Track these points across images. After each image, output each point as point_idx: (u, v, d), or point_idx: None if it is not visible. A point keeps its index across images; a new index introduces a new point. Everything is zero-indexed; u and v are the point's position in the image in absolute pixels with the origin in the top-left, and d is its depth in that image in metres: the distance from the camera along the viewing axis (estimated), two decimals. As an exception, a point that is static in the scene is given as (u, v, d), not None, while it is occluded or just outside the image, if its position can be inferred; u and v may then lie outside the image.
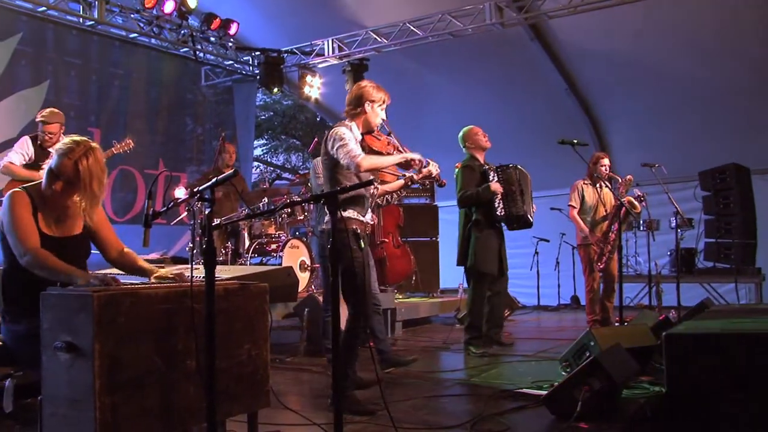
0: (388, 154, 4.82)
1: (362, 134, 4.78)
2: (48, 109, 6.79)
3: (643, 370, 5.10)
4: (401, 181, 5.18)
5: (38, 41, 9.45)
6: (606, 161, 7.94)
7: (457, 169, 6.97)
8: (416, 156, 4.76)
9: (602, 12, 9.37)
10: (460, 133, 7.11)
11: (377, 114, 4.79)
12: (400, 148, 4.98)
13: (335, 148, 4.52)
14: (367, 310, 4.58)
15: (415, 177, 5.06)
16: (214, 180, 2.80)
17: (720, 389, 4.00)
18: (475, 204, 6.86)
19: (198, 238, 7.68)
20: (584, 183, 8.09)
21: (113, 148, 7.04)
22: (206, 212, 2.75)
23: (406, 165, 4.81)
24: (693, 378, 4.11)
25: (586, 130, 11.72)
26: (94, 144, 3.34)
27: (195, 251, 7.75)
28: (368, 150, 4.72)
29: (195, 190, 2.80)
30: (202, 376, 2.81)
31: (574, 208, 8.04)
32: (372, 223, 4.87)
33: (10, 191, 3.28)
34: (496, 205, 6.86)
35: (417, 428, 4.08)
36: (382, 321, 5.59)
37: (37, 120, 6.78)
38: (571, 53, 10.94)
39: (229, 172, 2.86)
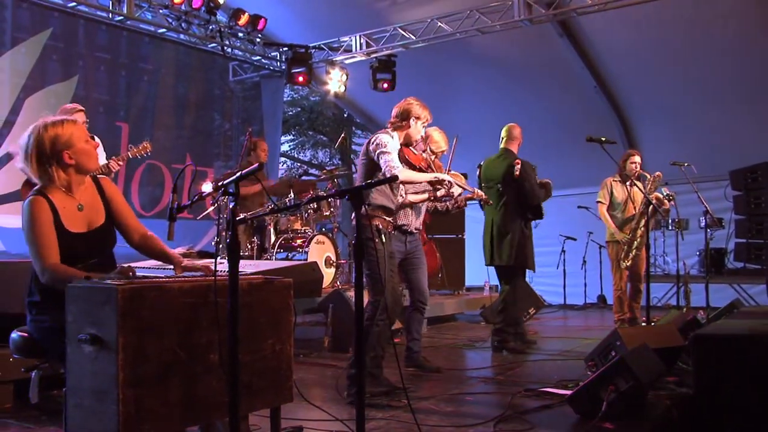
0: (421, 168, 5.24)
1: (401, 145, 5.14)
2: (70, 105, 6.55)
3: (670, 370, 5.04)
4: (425, 195, 5.61)
5: (68, 36, 9.53)
6: (637, 159, 7.86)
7: (518, 165, 6.73)
8: (446, 177, 5.12)
9: (631, 9, 9.27)
10: (511, 127, 7.11)
11: (419, 131, 5.18)
12: (432, 166, 5.48)
13: (377, 153, 4.84)
14: (385, 302, 4.72)
15: (438, 195, 5.52)
16: (238, 174, 2.79)
17: (748, 391, 3.94)
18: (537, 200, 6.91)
19: (223, 233, 7.71)
20: (614, 180, 8.02)
21: (129, 152, 6.82)
22: (231, 206, 2.74)
23: (436, 183, 5.17)
24: (721, 379, 4.05)
25: (615, 128, 11.61)
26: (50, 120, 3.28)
27: (221, 246, 7.78)
28: (404, 160, 5.10)
29: (219, 183, 2.80)
30: (225, 370, 2.81)
31: (603, 204, 7.99)
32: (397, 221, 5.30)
33: (29, 199, 3.18)
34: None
35: (440, 425, 4.07)
36: (421, 320, 5.75)
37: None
38: (600, 50, 10.82)
39: (254, 166, 2.85)
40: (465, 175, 8.62)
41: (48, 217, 3.15)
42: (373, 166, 4.91)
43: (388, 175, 4.71)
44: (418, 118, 5.05)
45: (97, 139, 6.54)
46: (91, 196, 3.37)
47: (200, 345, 2.89)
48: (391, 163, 4.76)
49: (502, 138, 7.12)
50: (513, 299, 6.94)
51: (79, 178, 3.32)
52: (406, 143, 5.19)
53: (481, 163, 7.20)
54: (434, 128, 5.88)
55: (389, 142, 4.88)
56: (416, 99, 5.15)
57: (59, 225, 3.18)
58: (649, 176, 7.69)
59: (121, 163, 6.62)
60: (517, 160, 6.79)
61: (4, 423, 4.21)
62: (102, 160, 6.58)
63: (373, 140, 4.91)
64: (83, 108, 6.57)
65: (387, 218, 5.01)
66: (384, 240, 4.89)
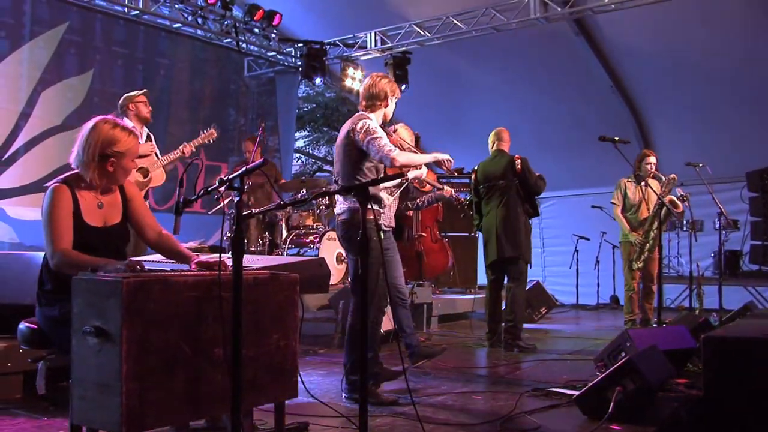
0: (402, 148, 4.96)
1: None
2: (134, 93, 6.41)
3: (680, 372, 5.01)
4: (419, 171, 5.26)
5: (86, 30, 9.58)
6: (652, 159, 7.80)
7: (518, 160, 6.95)
8: (446, 156, 4.91)
9: (649, 8, 9.21)
10: (500, 131, 7.19)
11: (393, 107, 4.90)
12: (402, 146, 5.16)
13: (366, 141, 4.54)
14: (378, 301, 4.70)
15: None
16: (243, 169, 2.80)
17: (758, 394, 3.90)
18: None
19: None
20: (628, 181, 7.95)
21: (199, 138, 6.70)
22: (236, 201, 2.75)
23: (437, 165, 5.01)
24: (731, 382, 4.01)
25: (631, 128, 11.53)
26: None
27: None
28: None
29: (224, 178, 2.81)
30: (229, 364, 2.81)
31: (617, 206, 7.92)
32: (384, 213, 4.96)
33: (53, 186, 3.29)
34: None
35: (446, 424, 4.05)
36: (408, 314, 5.55)
37: (125, 102, 6.34)
38: (616, 49, 10.76)
39: (259, 161, 2.85)
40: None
41: (68, 206, 3.25)
42: (360, 155, 4.63)
43: (387, 163, 4.52)
44: (393, 93, 4.81)
45: (153, 139, 6.58)
46: (112, 196, 3.47)
47: (205, 339, 2.90)
48: (385, 148, 4.49)
49: (493, 141, 7.22)
50: (523, 296, 6.98)
51: (106, 186, 3.43)
52: (382, 123, 4.89)
53: (476, 168, 7.30)
54: (401, 124, 5.63)
55: (376, 126, 4.62)
56: (382, 74, 4.91)
57: (77, 215, 3.28)
58: (664, 178, 7.63)
59: (193, 149, 6.50)
60: (517, 156, 6.96)
61: (13, 413, 4.23)
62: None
63: (358, 128, 4.59)
64: (145, 90, 6.51)
65: (381, 210, 4.83)
66: (383, 236, 4.81)
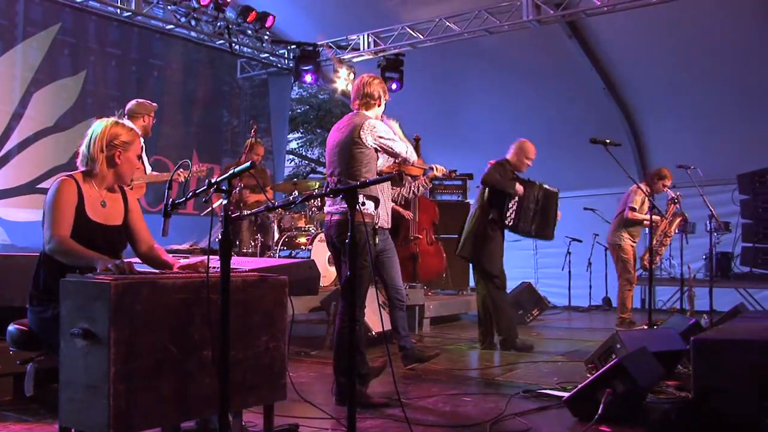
0: None
1: None
2: (148, 102, 6.40)
3: (670, 374, 5.02)
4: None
5: (79, 31, 9.56)
6: (669, 183, 7.96)
7: (490, 165, 6.96)
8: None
9: (641, 10, 9.23)
10: (518, 141, 7.11)
11: (382, 109, 5.02)
12: None
13: (379, 141, 4.73)
14: (361, 303, 4.71)
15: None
16: (231, 171, 2.81)
17: (748, 396, 3.92)
18: (495, 189, 6.90)
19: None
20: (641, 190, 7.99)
21: (193, 170, 6.69)
22: (224, 203, 2.75)
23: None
24: (720, 384, 4.02)
25: (623, 130, 11.55)
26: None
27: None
28: None
29: (212, 181, 2.81)
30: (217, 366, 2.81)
31: (635, 210, 7.98)
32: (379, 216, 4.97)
33: (60, 179, 3.38)
34: (508, 213, 6.92)
35: (436, 425, 4.06)
36: (405, 317, 5.55)
37: (139, 110, 6.28)
38: (609, 52, 10.79)
39: (246, 164, 2.86)
40: (470, 176, 8.71)
41: (72, 198, 3.35)
42: (368, 154, 4.73)
43: (407, 161, 4.82)
44: (384, 94, 4.95)
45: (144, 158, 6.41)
46: (115, 200, 3.57)
47: (193, 341, 2.90)
48: (403, 151, 4.80)
49: None
50: (500, 303, 6.99)
51: (112, 183, 3.55)
52: None
53: None
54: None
55: (387, 128, 4.81)
56: (373, 75, 5.04)
57: (81, 209, 3.36)
58: (674, 195, 7.84)
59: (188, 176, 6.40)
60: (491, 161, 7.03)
61: (2, 415, 4.22)
62: (148, 167, 6.55)
63: (364, 127, 4.72)
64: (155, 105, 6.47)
65: (377, 209, 4.79)
66: (381, 236, 4.86)
